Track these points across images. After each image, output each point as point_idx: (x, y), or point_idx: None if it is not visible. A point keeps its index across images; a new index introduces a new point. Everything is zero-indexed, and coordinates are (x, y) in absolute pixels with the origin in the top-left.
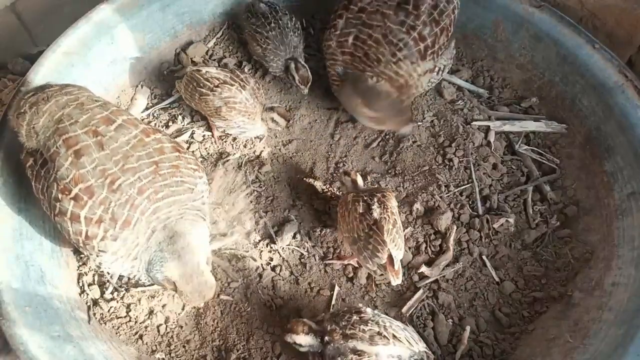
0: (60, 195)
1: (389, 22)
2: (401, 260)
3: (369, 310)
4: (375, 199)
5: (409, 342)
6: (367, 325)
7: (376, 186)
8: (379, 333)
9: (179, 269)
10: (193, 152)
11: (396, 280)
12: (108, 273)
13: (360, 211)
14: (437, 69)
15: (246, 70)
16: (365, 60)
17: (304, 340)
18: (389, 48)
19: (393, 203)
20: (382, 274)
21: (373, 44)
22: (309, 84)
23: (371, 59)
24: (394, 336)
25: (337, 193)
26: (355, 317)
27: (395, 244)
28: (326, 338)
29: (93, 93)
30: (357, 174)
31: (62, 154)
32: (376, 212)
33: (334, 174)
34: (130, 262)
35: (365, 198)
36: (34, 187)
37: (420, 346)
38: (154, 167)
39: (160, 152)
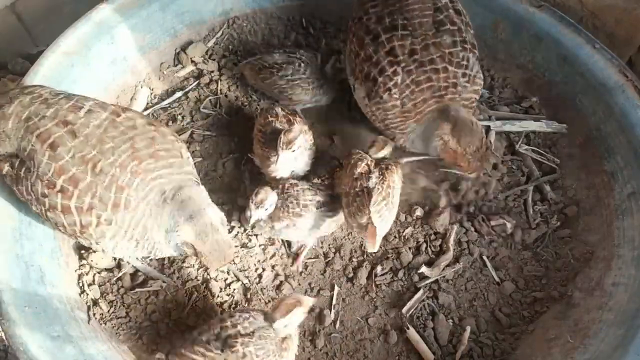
0: (46, 191)
1: (443, 48)
2: (402, 262)
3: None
4: (377, 169)
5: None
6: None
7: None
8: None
9: (193, 229)
10: (193, 152)
11: (370, 247)
12: (108, 271)
13: (359, 171)
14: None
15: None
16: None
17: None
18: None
19: (395, 177)
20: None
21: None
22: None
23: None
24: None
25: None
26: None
27: (380, 215)
28: None
29: (54, 88)
30: (388, 145)
31: (39, 150)
32: (372, 181)
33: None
34: (134, 244)
35: (369, 162)
36: (17, 191)
37: None
38: (130, 143)
39: (134, 128)
